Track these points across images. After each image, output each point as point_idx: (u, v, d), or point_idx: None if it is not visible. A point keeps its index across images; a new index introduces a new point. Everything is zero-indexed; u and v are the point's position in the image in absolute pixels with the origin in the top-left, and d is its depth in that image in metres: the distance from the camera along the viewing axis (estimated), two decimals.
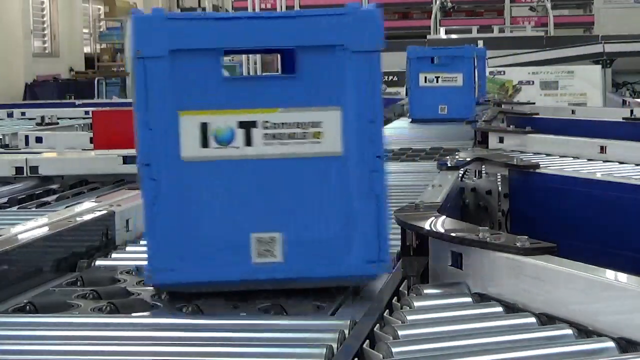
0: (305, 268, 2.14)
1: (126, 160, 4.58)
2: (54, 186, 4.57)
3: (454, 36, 17.77)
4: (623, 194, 3.57)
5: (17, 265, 2.34)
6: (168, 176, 2.13)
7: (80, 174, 4.68)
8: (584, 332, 1.82)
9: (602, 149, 5.11)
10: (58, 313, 2.09)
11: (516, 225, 4.04)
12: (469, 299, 2.11)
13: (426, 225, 2.40)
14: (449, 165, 4.07)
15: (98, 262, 2.61)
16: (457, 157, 4.29)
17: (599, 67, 13.36)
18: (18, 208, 3.99)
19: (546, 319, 1.90)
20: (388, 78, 13.26)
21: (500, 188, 4.16)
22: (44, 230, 2.59)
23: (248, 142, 2.12)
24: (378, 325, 1.92)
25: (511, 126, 5.99)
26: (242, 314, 2.05)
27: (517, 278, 2.02)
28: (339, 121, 2.15)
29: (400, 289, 2.24)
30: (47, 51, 20.71)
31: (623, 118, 6.70)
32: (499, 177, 4.18)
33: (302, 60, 2.13)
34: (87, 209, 3.04)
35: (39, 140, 6.38)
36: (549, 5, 19.68)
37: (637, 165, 4.80)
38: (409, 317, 1.94)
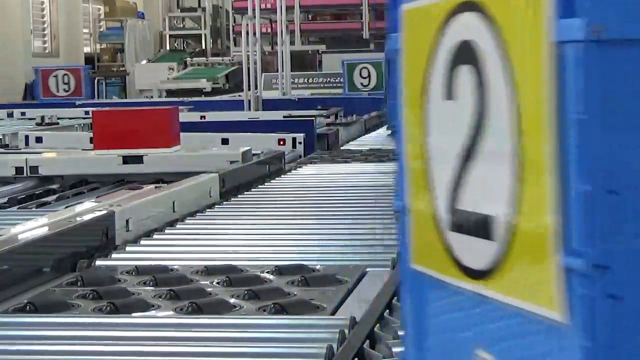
0: None
1: (126, 160, 4.59)
2: (54, 186, 4.57)
3: None
4: None
5: (17, 265, 2.34)
6: None
7: (80, 174, 4.69)
8: None
9: None
10: (58, 313, 2.09)
11: None
12: None
13: None
14: None
15: (98, 262, 2.62)
16: None
17: None
18: (18, 208, 3.99)
19: None
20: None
21: None
22: (44, 230, 2.59)
23: None
24: (378, 325, 1.92)
25: None
26: (242, 314, 2.06)
27: None
28: None
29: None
30: (47, 51, 20.71)
31: None
32: None
33: None
34: (87, 209, 3.05)
35: (39, 140, 6.38)
36: None
37: None
38: None
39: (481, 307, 1.07)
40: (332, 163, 5.15)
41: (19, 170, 4.65)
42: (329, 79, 15.52)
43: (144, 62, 21.00)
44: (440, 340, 1.21)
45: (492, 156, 1.03)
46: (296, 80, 14.53)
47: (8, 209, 3.98)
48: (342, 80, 14.21)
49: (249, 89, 10.75)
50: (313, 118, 7.29)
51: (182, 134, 4.84)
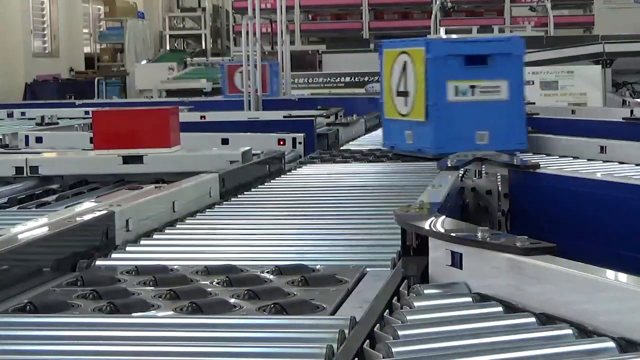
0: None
1: (126, 160, 4.59)
2: (54, 186, 4.57)
3: (454, 36, 17.76)
4: (623, 194, 3.57)
5: (17, 265, 2.34)
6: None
7: (80, 174, 4.69)
8: (584, 332, 1.82)
9: (602, 149, 5.11)
10: (58, 313, 2.09)
11: (516, 225, 4.04)
12: (469, 299, 2.11)
13: (426, 225, 2.40)
14: (449, 165, 4.08)
15: (98, 262, 2.62)
16: (457, 157, 4.29)
17: (599, 67, 13.35)
18: (18, 208, 3.99)
19: (546, 319, 1.90)
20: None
21: (500, 188, 4.16)
22: (44, 230, 2.59)
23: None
24: (378, 325, 1.92)
25: None
26: (242, 314, 2.06)
27: (517, 278, 2.02)
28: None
29: (400, 289, 2.24)
30: (47, 51, 20.71)
31: (623, 118, 6.70)
32: (499, 177, 4.18)
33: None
34: (87, 209, 3.05)
35: (39, 140, 6.38)
36: (549, 5, 19.67)
37: (637, 165, 4.80)
38: (409, 317, 1.94)
39: None
40: (332, 163, 5.15)
41: (19, 170, 4.65)
42: (329, 79, 15.50)
43: (144, 62, 21.00)
44: None
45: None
46: (296, 80, 14.53)
47: (8, 209, 3.98)
48: (342, 80, 14.19)
49: (249, 89, 10.74)
50: (313, 118, 7.29)
51: (182, 134, 4.83)
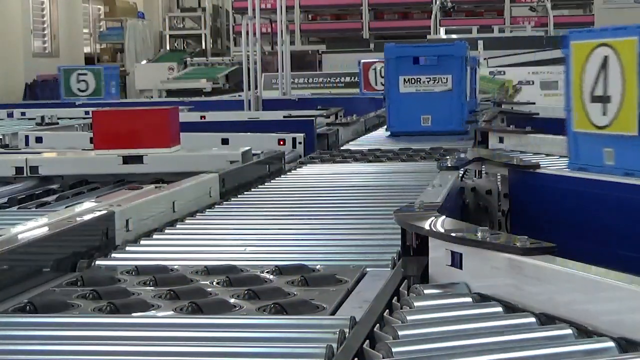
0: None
1: (126, 160, 4.59)
2: (54, 186, 4.57)
3: (454, 36, 17.77)
4: (623, 194, 3.57)
5: (17, 265, 2.34)
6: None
7: (80, 174, 4.69)
8: (584, 332, 1.82)
9: None
10: (58, 313, 2.09)
11: (516, 225, 4.04)
12: (469, 299, 2.11)
13: (426, 225, 2.40)
14: (449, 165, 4.07)
15: (98, 262, 2.62)
16: (457, 157, 4.29)
17: None
18: (18, 208, 3.99)
19: (546, 319, 1.90)
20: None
21: (500, 188, 4.16)
22: (44, 230, 2.59)
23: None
24: (378, 325, 1.92)
25: (511, 126, 5.99)
26: (242, 314, 2.06)
27: (517, 278, 2.02)
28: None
29: (400, 289, 2.24)
30: (47, 51, 20.71)
31: None
32: (499, 177, 4.18)
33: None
34: (87, 209, 3.04)
35: (39, 140, 6.38)
36: (549, 5, 19.68)
37: None
38: (409, 317, 1.94)
39: None
40: (332, 163, 5.15)
41: (19, 170, 4.65)
42: (329, 79, 15.50)
43: (144, 62, 21.00)
44: None
45: None
46: (296, 80, 14.53)
47: (8, 209, 3.98)
48: (342, 80, 14.19)
49: (249, 89, 10.75)
50: (313, 118, 7.29)
51: (182, 134, 4.84)
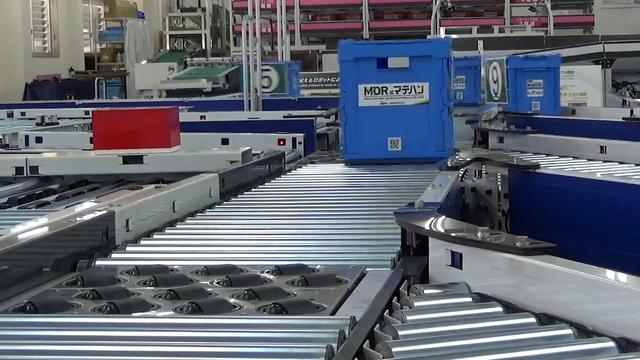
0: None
1: (126, 160, 4.59)
2: (54, 186, 4.57)
3: (454, 36, 17.77)
4: (623, 194, 3.57)
5: (17, 265, 2.34)
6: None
7: (80, 174, 4.69)
8: (584, 332, 1.82)
9: (602, 149, 5.11)
10: (58, 313, 2.09)
11: (516, 225, 4.04)
12: (469, 299, 2.11)
13: (426, 225, 2.40)
14: (449, 165, 4.07)
15: (98, 262, 2.62)
16: (457, 157, 4.29)
17: (599, 67, 13.35)
18: (18, 208, 3.99)
19: (546, 319, 1.90)
20: None
21: (500, 188, 4.16)
22: (44, 230, 2.59)
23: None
24: (378, 325, 1.92)
25: (511, 126, 6.00)
26: (242, 314, 2.06)
27: (517, 278, 2.02)
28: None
29: (400, 289, 2.24)
30: (47, 51, 20.71)
31: (623, 118, 6.70)
32: (499, 177, 4.18)
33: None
34: (87, 209, 3.04)
35: (39, 140, 6.38)
36: (549, 5, 19.68)
37: (637, 165, 4.80)
38: (409, 317, 1.94)
39: None
40: (332, 163, 5.15)
41: (19, 170, 4.65)
42: (329, 79, 15.50)
43: (144, 62, 20.98)
44: None
45: None
46: None
47: (8, 209, 3.98)
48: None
49: (249, 89, 10.74)
50: (313, 118, 7.29)
51: (182, 134, 4.84)
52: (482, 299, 2.10)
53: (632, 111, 7.71)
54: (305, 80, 15.24)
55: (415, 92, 4.96)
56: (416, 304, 2.05)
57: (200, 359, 1.73)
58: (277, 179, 4.49)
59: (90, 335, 1.87)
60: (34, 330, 1.92)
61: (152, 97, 16.06)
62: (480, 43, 15.38)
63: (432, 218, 2.47)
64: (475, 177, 4.33)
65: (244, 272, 2.44)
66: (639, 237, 3.44)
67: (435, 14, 19.38)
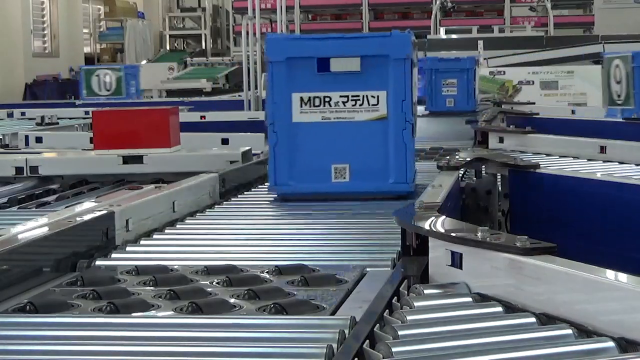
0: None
1: (126, 160, 4.59)
2: (54, 186, 4.57)
3: (454, 36, 17.78)
4: (623, 194, 3.57)
5: (17, 265, 2.34)
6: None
7: (80, 174, 4.69)
8: (584, 332, 1.82)
9: (602, 149, 5.11)
10: (58, 313, 2.09)
11: (516, 225, 4.04)
12: (469, 299, 2.11)
13: (426, 225, 2.40)
14: (449, 165, 4.07)
15: (98, 262, 2.62)
16: (457, 157, 4.29)
17: (599, 67, 13.35)
18: (18, 208, 3.99)
19: (546, 319, 1.90)
20: None
21: (500, 188, 4.16)
22: (44, 230, 2.59)
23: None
24: (378, 325, 1.92)
25: (511, 126, 5.99)
26: (242, 314, 2.06)
27: (517, 278, 2.02)
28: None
29: (400, 289, 2.24)
30: (47, 51, 20.71)
31: (623, 118, 6.70)
32: (499, 177, 4.18)
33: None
34: (87, 209, 3.05)
35: (39, 140, 6.38)
36: (549, 5, 19.68)
37: (637, 165, 4.80)
38: (409, 317, 1.94)
39: None
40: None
41: (19, 170, 4.65)
42: None
43: (144, 62, 20.98)
44: None
45: None
46: None
47: (8, 209, 3.98)
48: None
49: (249, 89, 10.75)
50: None
51: (182, 134, 4.84)
52: (482, 299, 2.10)
53: None
54: None
55: (369, 104, 3.73)
56: (416, 304, 2.05)
57: (200, 359, 1.73)
58: None
59: (90, 335, 1.87)
60: (34, 330, 1.92)
61: (152, 97, 16.06)
62: (480, 43, 15.38)
63: (432, 218, 2.47)
64: (475, 177, 4.33)
65: (244, 272, 2.44)
66: (639, 237, 3.44)
67: (435, 14, 19.38)
